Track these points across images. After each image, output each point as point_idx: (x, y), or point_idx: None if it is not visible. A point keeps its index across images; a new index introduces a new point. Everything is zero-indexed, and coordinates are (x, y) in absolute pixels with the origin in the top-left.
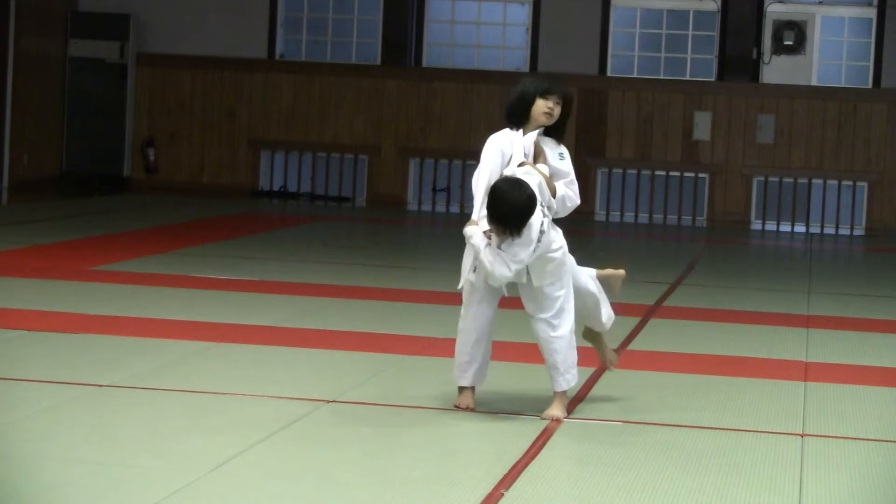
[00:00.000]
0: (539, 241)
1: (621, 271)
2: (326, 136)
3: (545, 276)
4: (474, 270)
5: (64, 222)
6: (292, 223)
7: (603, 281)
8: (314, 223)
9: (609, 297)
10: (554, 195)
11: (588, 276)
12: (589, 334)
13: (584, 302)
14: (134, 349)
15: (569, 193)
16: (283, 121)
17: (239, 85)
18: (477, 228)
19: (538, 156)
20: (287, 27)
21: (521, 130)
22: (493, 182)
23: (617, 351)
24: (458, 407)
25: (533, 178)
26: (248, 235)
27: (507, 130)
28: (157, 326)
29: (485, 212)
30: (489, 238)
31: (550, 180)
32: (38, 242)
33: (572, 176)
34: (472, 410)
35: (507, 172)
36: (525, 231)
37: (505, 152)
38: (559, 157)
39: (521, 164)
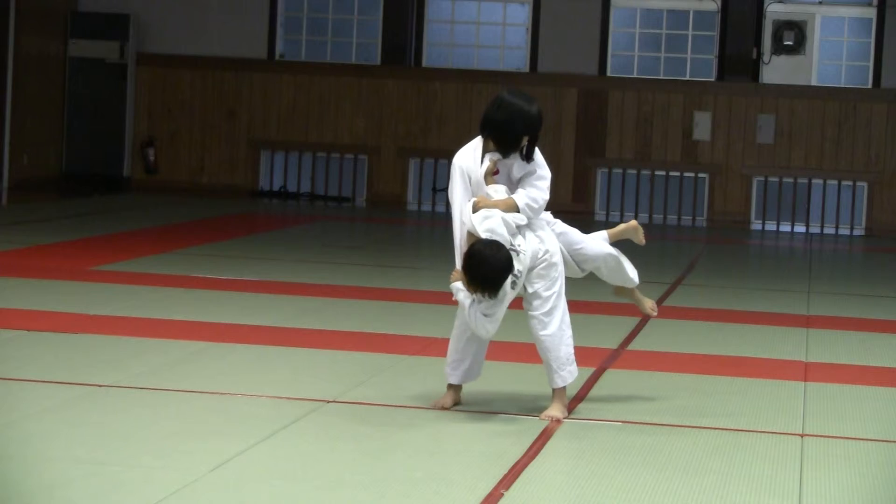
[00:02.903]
0: (514, 285)
1: (633, 222)
2: (326, 136)
3: (537, 281)
4: None
5: (64, 222)
6: (292, 223)
7: (620, 238)
8: (314, 223)
9: (639, 246)
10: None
11: (602, 241)
12: (621, 291)
13: (605, 265)
14: (134, 349)
15: (532, 197)
16: (283, 121)
17: (239, 85)
18: (460, 284)
19: (488, 175)
20: (287, 27)
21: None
22: (464, 214)
23: (653, 303)
24: (441, 406)
25: (494, 220)
26: (248, 235)
27: (473, 147)
28: (157, 326)
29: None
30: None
31: (508, 199)
32: (38, 242)
33: (540, 171)
34: (446, 409)
35: (466, 217)
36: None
37: (471, 175)
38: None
39: (476, 207)
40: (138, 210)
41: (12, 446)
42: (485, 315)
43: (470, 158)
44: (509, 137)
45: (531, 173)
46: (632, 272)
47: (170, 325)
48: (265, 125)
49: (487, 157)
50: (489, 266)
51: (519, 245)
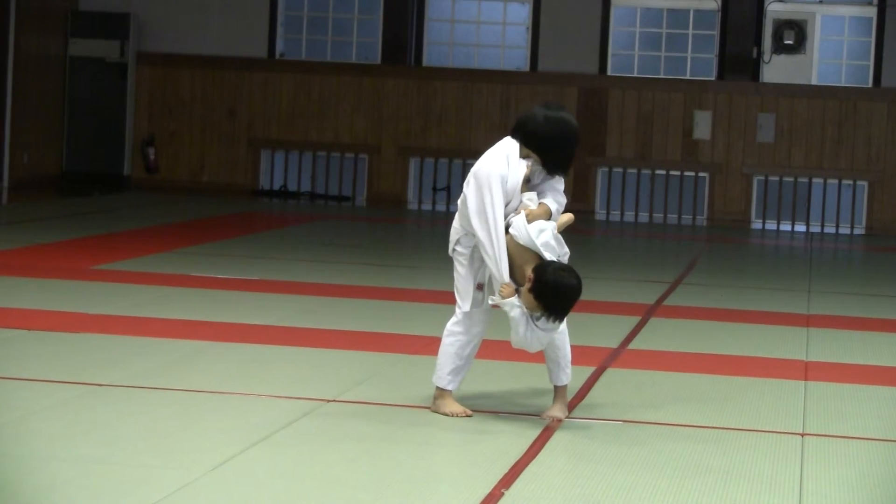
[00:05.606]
0: None
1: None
2: (326, 136)
3: None
4: (479, 288)
5: (64, 222)
6: (292, 223)
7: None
8: (314, 222)
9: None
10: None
11: None
12: None
13: None
14: (134, 349)
15: (560, 202)
16: (283, 120)
17: (239, 85)
18: (515, 300)
19: (524, 182)
20: (287, 26)
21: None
22: (516, 227)
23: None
24: (465, 413)
25: (547, 233)
26: (248, 235)
27: (504, 154)
28: (157, 326)
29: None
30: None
31: (545, 206)
32: (38, 242)
33: (558, 175)
34: (469, 416)
35: (520, 230)
36: None
37: (508, 186)
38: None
39: (528, 214)
40: (138, 209)
41: (12, 446)
42: (542, 330)
43: (505, 166)
44: (565, 154)
45: (550, 178)
46: None
47: (170, 324)
48: (265, 124)
49: (524, 163)
50: (568, 298)
51: (566, 254)
